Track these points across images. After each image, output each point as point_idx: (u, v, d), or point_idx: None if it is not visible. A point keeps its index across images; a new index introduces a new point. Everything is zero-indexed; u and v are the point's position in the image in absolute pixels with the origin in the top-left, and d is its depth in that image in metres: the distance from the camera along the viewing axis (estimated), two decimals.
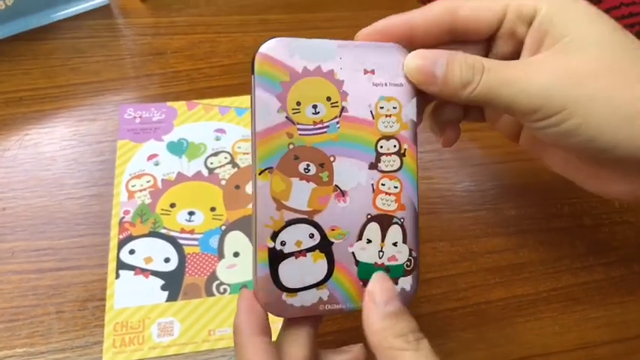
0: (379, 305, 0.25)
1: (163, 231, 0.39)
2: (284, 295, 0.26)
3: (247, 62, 0.49)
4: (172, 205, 0.40)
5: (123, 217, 0.39)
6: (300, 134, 0.26)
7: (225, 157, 0.43)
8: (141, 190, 0.41)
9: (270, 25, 0.53)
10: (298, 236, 0.26)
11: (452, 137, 0.32)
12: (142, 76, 0.49)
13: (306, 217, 0.27)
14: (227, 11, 0.55)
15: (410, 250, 0.28)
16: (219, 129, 0.45)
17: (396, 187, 0.28)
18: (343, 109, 0.27)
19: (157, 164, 0.42)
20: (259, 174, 0.26)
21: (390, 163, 0.28)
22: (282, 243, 0.26)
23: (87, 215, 0.40)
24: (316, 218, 0.27)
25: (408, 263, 0.28)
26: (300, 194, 0.26)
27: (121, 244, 0.38)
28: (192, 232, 0.39)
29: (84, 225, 0.39)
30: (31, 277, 0.37)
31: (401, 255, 0.27)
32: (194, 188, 0.41)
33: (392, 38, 0.28)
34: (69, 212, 0.40)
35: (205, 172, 0.42)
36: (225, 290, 0.37)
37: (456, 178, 0.43)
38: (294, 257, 0.26)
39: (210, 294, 0.37)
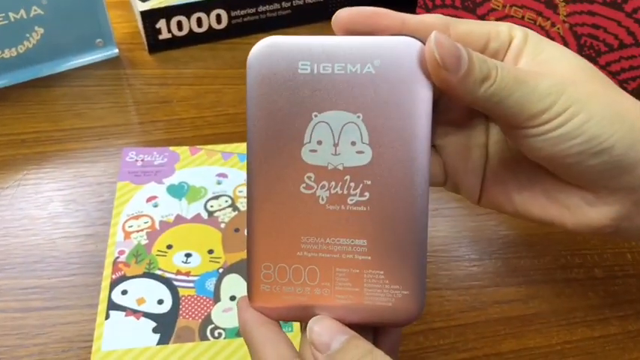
0: (322, 352, 0.24)
1: (158, 272, 0.37)
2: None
3: None
4: (169, 247, 0.39)
5: (117, 257, 0.38)
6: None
7: (226, 201, 0.42)
8: (138, 231, 0.40)
9: None
10: None
11: None
12: (147, 122, 0.49)
13: None
14: (233, 65, 0.56)
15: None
16: (221, 173, 0.44)
17: None
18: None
19: (155, 206, 0.41)
20: None
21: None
22: None
23: (81, 254, 0.39)
24: None
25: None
26: None
27: (114, 284, 0.37)
28: (188, 274, 0.38)
29: (77, 264, 0.38)
30: (15, 316, 0.35)
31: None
32: (192, 230, 0.40)
33: (380, 28, 0.27)
34: (62, 251, 0.39)
35: (205, 215, 0.41)
36: (220, 335, 0.35)
37: (462, 226, 0.42)
38: None
39: (204, 338, 0.34)
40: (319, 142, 0.25)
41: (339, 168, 0.25)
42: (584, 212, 0.29)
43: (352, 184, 0.25)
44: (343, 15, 0.27)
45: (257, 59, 0.25)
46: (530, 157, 0.28)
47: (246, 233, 0.39)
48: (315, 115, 0.25)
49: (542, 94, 0.25)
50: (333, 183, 0.25)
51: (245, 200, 0.42)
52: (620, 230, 0.29)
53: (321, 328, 0.25)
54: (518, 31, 0.28)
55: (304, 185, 0.25)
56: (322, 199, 0.25)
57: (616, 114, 0.25)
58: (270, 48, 0.25)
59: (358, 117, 0.25)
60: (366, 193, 0.26)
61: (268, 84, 0.25)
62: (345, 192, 0.25)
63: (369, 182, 0.26)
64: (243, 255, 0.39)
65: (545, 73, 0.26)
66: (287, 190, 0.25)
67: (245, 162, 0.45)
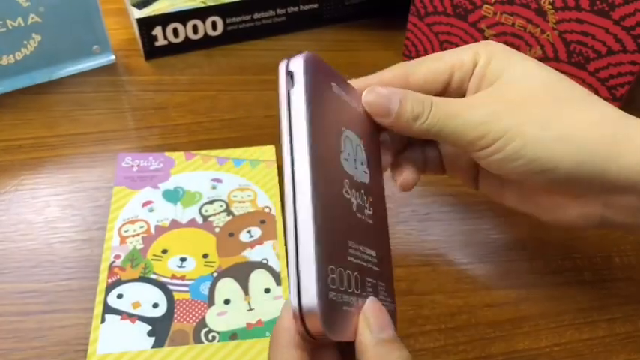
0: (374, 331, 0.24)
1: (153, 276, 0.38)
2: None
3: (247, 118, 0.51)
4: (164, 251, 0.39)
5: (113, 262, 0.38)
6: None
7: (221, 206, 0.43)
8: (133, 236, 0.40)
9: (270, 84, 0.55)
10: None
11: (409, 180, 0.33)
12: (143, 128, 0.49)
13: None
14: (228, 71, 0.56)
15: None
16: (215, 178, 0.45)
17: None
18: None
19: (151, 211, 0.42)
20: None
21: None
22: None
23: (77, 259, 0.39)
24: None
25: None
26: None
27: (109, 288, 0.37)
28: (182, 278, 0.38)
29: (73, 268, 0.38)
30: (12, 320, 0.36)
31: None
32: (187, 235, 0.41)
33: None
34: (59, 255, 0.39)
35: (200, 220, 0.42)
36: (213, 338, 0.35)
37: (454, 230, 0.43)
38: None
39: (198, 341, 0.35)
40: (348, 154, 0.26)
41: (357, 180, 0.27)
42: (555, 212, 0.31)
43: (365, 198, 0.27)
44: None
45: (306, 67, 0.25)
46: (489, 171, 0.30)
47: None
48: (343, 130, 0.27)
49: (475, 124, 0.28)
50: (356, 193, 0.26)
51: (239, 205, 0.43)
52: (602, 224, 0.30)
53: (378, 311, 0.25)
54: (482, 55, 0.31)
55: (345, 190, 0.25)
56: (354, 207, 0.26)
57: (559, 137, 0.27)
58: (315, 61, 0.26)
59: (361, 141, 0.28)
60: (371, 209, 0.28)
61: (316, 91, 0.25)
62: (362, 203, 0.27)
63: (371, 199, 0.28)
64: (237, 259, 0.39)
65: (486, 101, 0.29)
66: (335, 192, 0.24)
67: (240, 167, 0.46)
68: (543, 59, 0.48)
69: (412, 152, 0.34)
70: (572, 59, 0.47)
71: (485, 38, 0.51)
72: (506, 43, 0.49)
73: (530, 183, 0.30)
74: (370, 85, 0.30)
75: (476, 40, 0.51)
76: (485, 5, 0.49)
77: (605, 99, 0.46)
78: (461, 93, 0.31)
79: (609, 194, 0.29)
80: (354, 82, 0.30)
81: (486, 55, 0.30)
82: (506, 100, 0.28)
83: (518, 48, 0.49)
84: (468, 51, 0.31)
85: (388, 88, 0.29)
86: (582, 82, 0.47)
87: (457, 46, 0.53)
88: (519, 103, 0.28)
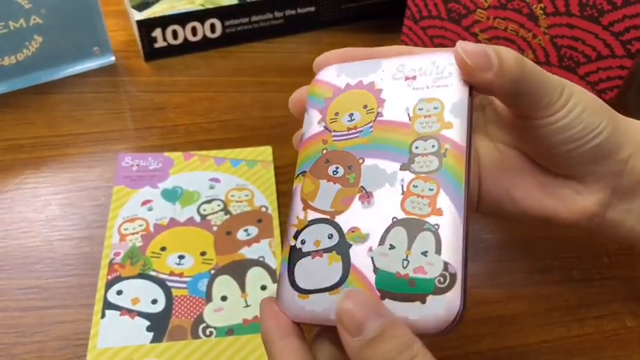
0: (352, 335, 0.21)
1: (152, 273, 0.39)
2: (297, 296, 0.24)
3: (245, 119, 0.52)
4: (163, 249, 0.40)
5: (113, 259, 0.39)
6: (334, 140, 0.27)
7: (219, 205, 0.44)
8: (133, 234, 0.41)
9: (267, 86, 0.56)
10: (318, 236, 0.25)
11: None
12: (142, 129, 0.50)
13: (327, 217, 0.26)
14: (226, 73, 0.57)
15: (445, 264, 0.22)
16: (213, 178, 0.46)
17: (431, 190, 0.24)
18: (378, 114, 0.27)
19: (150, 209, 0.43)
20: (295, 178, 0.27)
21: (425, 164, 0.25)
22: (303, 242, 0.26)
23: (77, 256, 0.40)
24: (337, 219, 0.26)
25: (442, 279, 0.22)
26: (326, 195, 0.26)
27: (109, 284, 0.38)
28: (181, 275, 0.39)
29: (73, 265, 0.39)
30: (14, 315, 0.36)
31: (432, 268, 0.23)
32: (185, 233, 0.42)
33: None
34: (59, 253, 0.40)
35: (198, 218, 0.43)
36: (211, 333, 0.36)
37: None
38: (310, 257, 0.25)
39: (196, 336, 0.36)
40: None
41: None
42: (575, 201, 0.32)
43: None
44: (321, 60, 0.31)
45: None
46: (533, 148, 0.31)
47: (238, 237, 0.41)
48: None
49: (555, 85, 0.28)
50: None
51: (237, 204, 0.44)
52: (604, 223, 0.32)
53: (355, 303, 0.22)
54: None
55: None
56: None
57: (601, 105, 0.30)
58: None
59: None
60: None
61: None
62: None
63: None
64: (234, 257, 0.40)
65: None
66: None
67: (237, 167, 0.47)
68: (535, 63, 0.49)
69: None
70: (563, 63, 0.48)
71: (479, 42, 0.52)
72: None
73: (571, 155, 0.30)
74: (370, 55, 0.30)
75: None
76: (479, 10, 0.50)
77: None
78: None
79: (620, 173, 0.31)
80: (350, 49, 0.30)
81: None
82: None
83: None
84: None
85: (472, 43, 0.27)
86: None
87: None
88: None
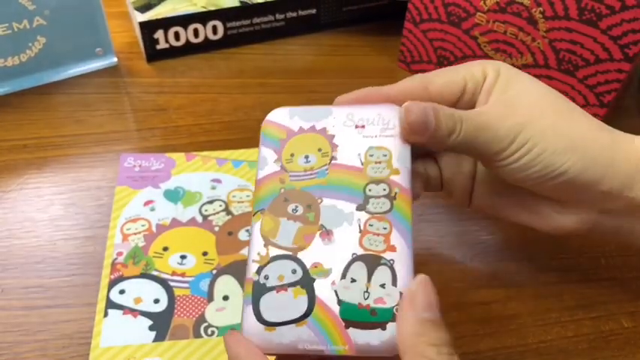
0: (417, 309, 0.24)
1: (155, 273, 0.39)
2: (264, 329, 0.26)
3: (246, 120, 0.52)
4: (165, 249, 0.41)
5: (116, 259, 0.40)
6: (291, 180, 0.29)
7: (220, 205, 0.44)
8: (135, 234, 0.41)
9: (269, 87, 0.56)
10: (281, 271, 0.27)
11: (416, 196, 0.34)
12: (144, 129, 0.51)
13: (290, 253, 0.27)
14: (228, 74, 0.58)
15: (401, 295, 0.26)
16: (215, 179, 0.46)
17: (385, 228, 0.28)
18: (333, 157, 0.30)
19: (152, 210, 0.43)
20: (253, 215, 0.29)
21: (379, 205, 0.28)
22: (266, 277, 0.27)
23: (80, 256, 0.40)
24: (300, 255, 0.27)
25: (399, 307, 0.25)
26: (287, 232, 0.28)
27: (112, 284, 0.38)
28: (183, 275, 0.39)
29: (76, 265, 0.40)
30: (18, 314, 0.37)
31: (390, 298, 0.26)
32: (187, 233, 0.42)
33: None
34: (62, 252, 0.40)
35: (199, 219, 0.43)
36: (213, 333, 0.37)
37: (446, 230, 0.44)
38: (275, 291, 0.27)
39: (198, 336, 0.36)
40: None
41: None
42: (554, 219, 0.34)
43: None
44: (342, 101, 0.32)
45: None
46: (505, 179, 0.32)
47: (240, 238, 0.41)
48: None
49: (502, 136, 0.30)
50: None
51: (238, 205, 0.44)
52: (594, 230, 0.34)
53: (427, 288, 0.26)
54: (490, 70, 0.33)
55: None
56: None
57: (568, 145, 0.30)
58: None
59: None
60: None
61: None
62: None
63: None
64: (236, 257, 0.41)
65: (506, 114, 0.31)
66: None
67: (239, 168, 0.47)
68: (534, 66, 0.50)
69: (416, 169, 0.35)
70: (561, 66, 0.48)
71: (479, 45, 0.52)
72: (498, 50, 0.51)
73: (539, 188, 0.32)
74: (392, 95, 0.31)
75: (469, 47, 0.53)
76: (479, 13, 0.51)
77: (593, 105, 0.48)
78: (471, 105, 0.33)
79: (605, 200, 0.32)
80: (373, 92, 0.32)
81: (494, 73, 0.32)
82: (521, 113, 0.31)
83: (510, 55, 0.51)
84: (477, 66, 0.33)
85: (420, 103, 0.29)
86: (572, 88, 0.49)
87: (451, 52, 0.55)
88: (532, 116, 0.31)
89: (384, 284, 0.26)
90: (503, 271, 0.42)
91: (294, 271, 0.27)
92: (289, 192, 0.29)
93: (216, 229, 0.42)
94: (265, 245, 0.28)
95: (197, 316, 0.37)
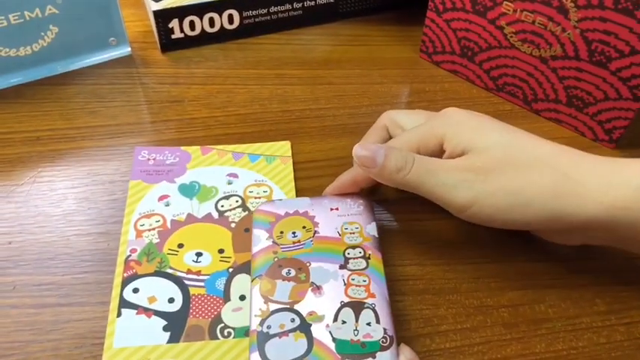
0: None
1: (169, 271, 0.38)
2: None
3: (263, 113, 0.51)
4: (180, 246, 0.39)
5: (129, 256, 0.39)
6: (282, 251, 0.37)
7: (237, 201, 0.43)
8: (149, 230, 0.40)
9: (286, 79, 0.55)
10: (282, 321, 0.33)
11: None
12: (159, 122, 0.49)
13: (287, 306, 0.34)
14: (244, 65, 0.56)
15: (384, 329, 0.32)
16: (231, 173, 0.45)
17: (364, 281, 0.35)
18: (315, 232, 0.38)
19: (167, 205, 0.42)
20: (252, 281, 0.35)
21: (357, 264, 0.36)
22: (268, 327, 0.33)
23: (93, 252, 0.39)
24: (296, 306, 0.34)
25: (384, 340, 0.32)
26: (283, 291, 0.34)
27: (125, 282, 0.37)
28: (198, 273, 0.38)
29: (89, 262, 0.39)
30: (30, 312, 0.36)
31: (375, 333, 0.32)
32: (203, 230, 0.41)
33: (347, 190, 0.40)
34: (75, 249, 0.39)
35: (215, 215, 0.42)
36: (229, 334, 0.35)
37: (470, 228, 0.42)
38: (277, 337, 0.32)
39: (213, 337, 0.35)
40: None
41: None
42: (547, 239, 0.39)
43: None
44: (329, 191, 0.41)
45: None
46: None
47: None
48: None
49: (449, 186, 0.34)
50: None
51: (255, 200, 0.43)
52: (597, 241, 0.38)
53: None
54: (448, 130, 0.36)
55: None
56: None
57: (524, 202, 0.33)
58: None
59: None
60: None
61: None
62: None
63: None
64: None
65: (456, 167, 0.34)
66: None
67: (256, 162, 0.46)
68: (563, 57, 0.47)
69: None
70: (593, 58, 0.46)
71: (505, 36, 0.50)
72: (525, 40, 0.49)
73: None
74: (354, 179, 0.40)
75: (495, 38, 0.51)
76: (506, 2, 0.48)
77: (627, 99, 0.46)
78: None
79: (583, 230, 0.35)
80: (347, 180, 0.40)
81: (449, 130, 0.36)
82: (475, 168, 0.34)
83: (537, 46, 0.48)
84: (431, 137, 0.37)
85: (376, 144, 0.36)
86: (603, 81, 0.46)
87: (476, 43, 0.52)
88: (487, 171, 0.34)
89: (370, 322, 0.33)
90: (530, 271, 0.40)
91: (292, 320, 0.33)
92: (282, 260, 0.36)
93: (233, 225, 0.41)
94: (265, 302, 0.34)
95: (213, 316, 0.36)
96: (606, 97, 0.47)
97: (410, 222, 0.43)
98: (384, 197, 0.44)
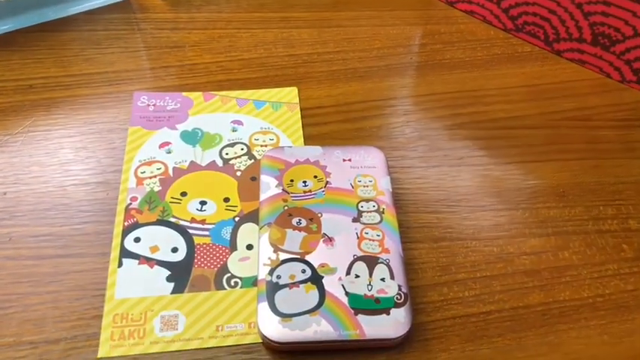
0: None
1: (172, 220, 0.36)
2: (279, 321, 0.30)
3: (267, 57, 0.48)
4: (183, 194, 0.37)
5: (129, 204, 0.37)
6: (292, 199, 0.35)
7: (242, 149, 0.40)
8: (150, 177, 0.38)
9: (292, 22, 0.52)
10: (292, 271, 0.32)
11: None
12: (158, 68, 0.47)
13: (298, 256, 0.32)
14: (247, 8, 0.53)
15: (399, 286, 0.32)
16: (236, 120, 0.42)
17: (378, 235, 0.34)
18: (327, 182, 0.36)
19: (169, 152, 0.40)
20: (260, 228, 0.34)
21: (371, 217, 0.35)
22: (278, 277, 0.31)
23: (92, 202, 0.37)
24: (307, 257, 0.32)
25: (399, 297, 0.31)
26: (294, 240, 0.33)
27: (126, 231, 0.35)
28: (203, 222, 0.36)
29: (88, 212, 0.37)
30: (27, 264, 0.34)
31: (390, 289, 0.31)
32: (207, 178, 0.39)
33: None
34: (73, 199, 0.37)
35: (220, 163, 0.39)
36: (236, 284, 0.34)
37: (487, 175, 0.40)
38: (288, 288, 0.31)
39: (220, 287, 0.33)
40: None
41: None
42: None
43: None
44: None
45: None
46: None
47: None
48: None
49: None
50: None
51: (261, 148, 0.40)
52: None
53: None
54: None
55: None
56: None
57: None
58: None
59: None
60: None
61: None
62: None
63: None
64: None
65: None
66: None
67: (261, 109, 0.43)
68: (567, 39, 0.44)
69: None
70: (597, 41, 0.43)
71: (511, 18, 0.46)
72: (527, 23, 0.45)
73: None
74: None
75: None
76: None
77: (630, 81, 0.42)
78: None
79: None
80: None
81: None
82: None
83: (542, 28, 0.45)
84: None
85: None
86: (633, 15, 0.43)
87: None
88: None
89: (384, 278, 0.32)
90: (552, 218, 0.38)
91: (303, 271, 0.32)
92: (292, 209, 0.35)
93: (238, 173, 0.39)
94: (275, 251, 0.33)
95: (219, 266, 0.34)
96: (635, 34, 0.44)
97: (424, 169, 0.40)
98: (397, 145, 0.42)
